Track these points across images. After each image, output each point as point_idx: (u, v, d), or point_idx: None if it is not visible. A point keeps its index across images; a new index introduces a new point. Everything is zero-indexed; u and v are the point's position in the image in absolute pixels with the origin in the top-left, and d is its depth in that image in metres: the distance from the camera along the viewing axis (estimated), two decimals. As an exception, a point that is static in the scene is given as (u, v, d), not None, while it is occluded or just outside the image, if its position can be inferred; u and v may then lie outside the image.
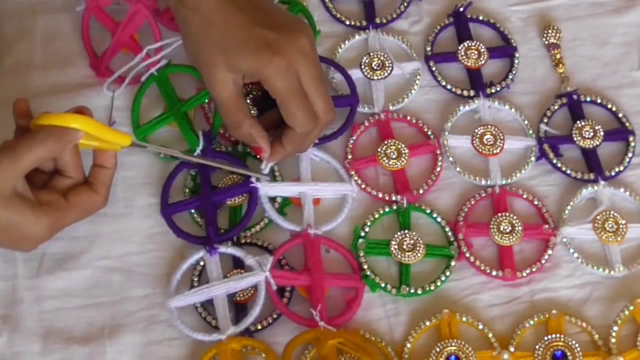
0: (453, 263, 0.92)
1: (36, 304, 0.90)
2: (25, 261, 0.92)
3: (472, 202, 0.95)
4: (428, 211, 0.95)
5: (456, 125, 0.99)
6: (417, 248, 0.92)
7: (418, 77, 1.01)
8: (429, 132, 0.98)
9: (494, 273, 0.92)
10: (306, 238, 0.92)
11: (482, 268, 0.92)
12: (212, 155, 0.95)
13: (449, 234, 0.94)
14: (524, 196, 0.96)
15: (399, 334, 0.90)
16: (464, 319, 0.90)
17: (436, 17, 1.05)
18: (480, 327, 0.90)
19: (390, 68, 1.01)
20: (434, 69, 1.01)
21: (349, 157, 0.97)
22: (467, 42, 1.02)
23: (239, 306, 0.90)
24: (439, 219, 0.95)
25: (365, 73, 1.00)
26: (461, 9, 1.04)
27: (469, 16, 1.04)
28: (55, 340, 0.89)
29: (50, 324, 0.89)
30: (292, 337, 0.89)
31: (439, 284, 0.91)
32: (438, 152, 0.98)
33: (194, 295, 0.89)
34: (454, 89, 1.01)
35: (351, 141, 0.98)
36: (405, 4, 1.04)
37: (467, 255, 0.93)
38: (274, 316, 0.90)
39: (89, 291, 0.91)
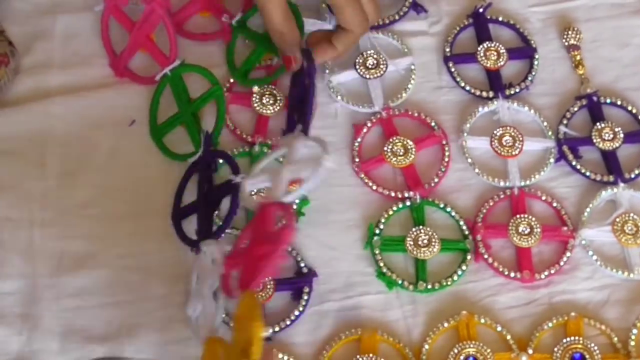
0: (469, 257, 0.92)
1: (55, 302, 0.90)
2: (45, 259, 0.92)
3: (491, 204, 0.95)
4: (441, 205, 0.95)
5: (475, 126, 0.99)
6: (433, 243, 0.92)
7: (413, 72, 1.01)
8: (432, 123, 0.98)
9: (512, 275, 0.92)
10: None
11: (500, 270, 0.92)
12: (210, 156, 0.95)
13: (464, 227, 0.94)
14: (543, 198, 0.96)
15: (416, 335, 0.90)
16: (482, 320, 0.89)
17: (455, 18, 1.04)
18: (499, 328, 0.89)
19: (384, 66, 1.00)
20: (452, 69, 1.01)
21: (356, 160, 0.97)
22: (487, 43, 1.02)
23: (256, 306, 0.90)
24: (453, 213, 0.95)
25: (361, 72, 1.00)
26: (481, 10, 1.04)
27: (488, 17, 1.04)
28: (74, 339, 0.89)
29: (69, 323, 0.90)
30: (309, 338, 0.89)
31: (455, 278, 0.91)
32: (444, 142, 0.97)
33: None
34: (473, 90, 1.00)
35: (356, 143, 0.98)
36: (405, 8, 1.04)
37: (485, 256, 0.92)
38: (292, 317, 0.90)
39: (107, 290, 0.91)
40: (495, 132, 0.98)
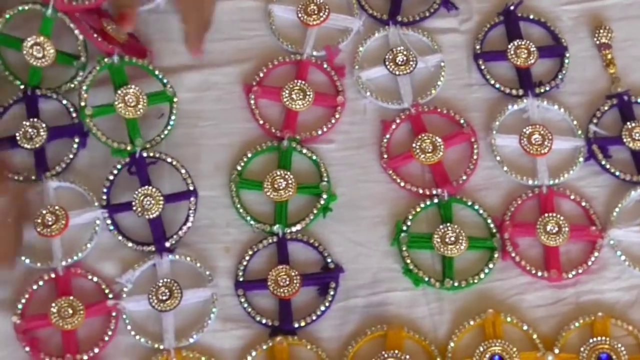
0: (496, 255, 0.92)
1: None
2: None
3: (519, 202, 0.95)
4: (469, 203, 0.95)
5: (504, 124, 0.98)
6: (460, 240, 0.92)
7: (443, 69, 1.01)
8: (461, 121, 0.98)
9: (539, 274, 0.92)
10: None
11: (528, 268, 0.92)
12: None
13: (491, 225, 0.94)
14: (572, 197, 0.95)
15: (442, 333, 0.90)
16: (509, 319, 0.89)
17: (486, 16, 1.04)
18: (525, 327, 0.89)
19: (414, 63, 1.00)
20: (482, 67, 1.01)
21: (385, 156, 0.97)
22: (517, 40, 1.01)
23: (283, 302, 0.91)
24: (481, 211, 0.94)
25: (390, 69, 1.00)
26: (512, 8, 1.03)
27: (519, 15, 1.03)
28: None
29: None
30: (335, 333, 0.90)
31: (482, 276, 0.91)
32: (473, 139, 0.97)
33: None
34: (502, 88, 1.00)
35: (385, 139, 0.98)
36: (435, 6, 1.04)
37: (513, 255, 0.92)
38: (318, 312, 0.90)
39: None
40: (524, 130, 0.97)
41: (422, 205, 0.95)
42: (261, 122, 0.98)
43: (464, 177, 0.96)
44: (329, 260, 0.92)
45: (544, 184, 0.96)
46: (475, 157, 0.97)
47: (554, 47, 1.02)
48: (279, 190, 0.94)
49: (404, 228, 0.93)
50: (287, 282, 0.91)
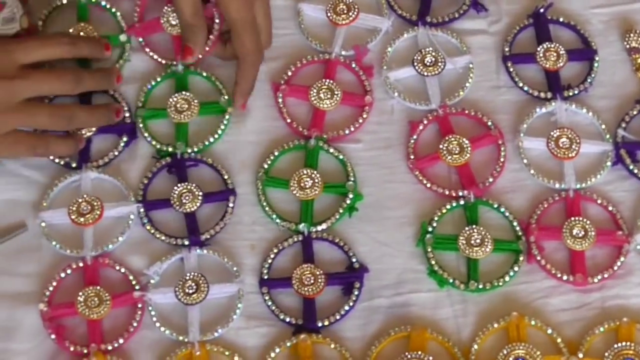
0: (521, 258, 0.92)
1: None
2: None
3: (545, 205, 0.95)
4: (495, 205, 0.94)
5: (532, 127, 0.98)
6: (485, 243, 0.92)
7: (471, 71, 1.01)
8: (489, 123, 0.98)
9: (564, 277, 0.91)
10: None
11: (553, 272, 0.92)
12: None
13: (517, 228, 0.94)
14: (599, 201, 0.95)
15: (466, 335, 0.90)
16: (533, 322, 0.89)
17: (516, 18, 1.04)
18: (549, 331, 0.89)
19: (442, 64, 1.00)
20: (511, 69, 1.01)
21: (412, 157, 0.97)
22: (547, 43, 1.01)
23: (307, 301, 0.91)
24: (507, 214, 0.94)
25: (419, 69, 1.00)
26: (541, 10, 1.03)
27: (549, 17, 1.03)
28: None
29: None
30: (359, 333, 0.90)
31: (507, 279, 0.91)
32: (500, 141, 0.97)
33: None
34: (531, 91, 1.00)
35: (412, 140, 0.98)
36: (465, 7, 1.04)
37: (538, 258, 0.92)
38: (342, 312, 0.90)
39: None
40: (552, 133, 0.97)
41: (448, 206, 0.94)
42: (289, 120, 0.98)
43: (491, 180, 0.96)
44: (354, 260, 0.92)
45: (571, 187, 0.95)
46: (502, 159, 0.97)
47: (583, 51, 1.02)
48: (305, 189, 0.94)
49: (430, 229, 0.93)
50: (312, 281, 0.91)
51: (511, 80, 1.01)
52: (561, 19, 1.03)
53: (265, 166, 0.96)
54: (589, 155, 0.97)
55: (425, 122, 0.98)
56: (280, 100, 0.99)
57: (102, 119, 0.96)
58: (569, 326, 0.90)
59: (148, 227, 0.93)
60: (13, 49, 0.89)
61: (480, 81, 1.01)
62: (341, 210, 0.94)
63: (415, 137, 0.98)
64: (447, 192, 0.95)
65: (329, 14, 1.02)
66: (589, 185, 0.96)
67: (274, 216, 0.94)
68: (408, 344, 0.88)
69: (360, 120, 0.99)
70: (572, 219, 0.93)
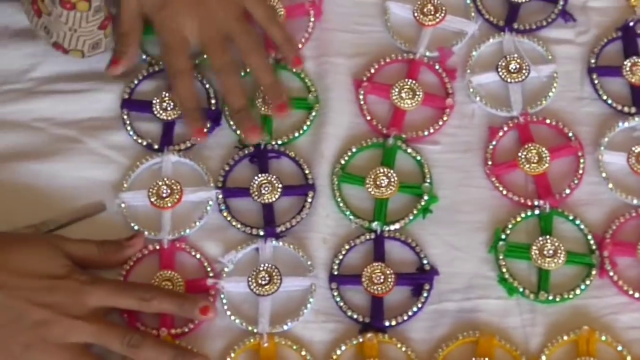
0: (594, 272, 0.91)
1: None
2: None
3: (622, 220, 0.94)
4: (571, 217, 0.94)
5: (613, 141, 0.97)
6: (558, 254, 0.91)
7: (555, 80, 1.00)
8: (570, 134, 0.97)
9: (636, 295, 0.91)
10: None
11: (625, 288, 0.91)
12: None
13: (591, 242, 0.93)
14: (677, 220, 0.94)
15: (534, 345, 0.89)
16: (604, 338, 0.89)
17: (604, 30, 1.03)
18: (619, 348, 0.88)
19: (527, 71, 1.00)
20: (596, 81, 1.00)
21: (489, 162, 0.97)
22: (634, 57, 1.00)
23: (376, 300, 0.91)
24: (582, 226, 0.94)
25: (502, 76, 1.00)
26: (631, 24, 1.02)
27: (638, 32, 1.02)
28: None
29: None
30: (426, 335, 0.90)
31: (578, 292, 0.91)
32: (580, 153, 0.96)
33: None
34: (614, 104, 0.99)
35: (491, 146, 0.97)
36: (553, 15, 1.03)
37: (611, 274, 0.91)
38: (410, 313, 0.90)
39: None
40: (633, 148, 0.96)
41: (523, 215, 0.94)
42: (368, 118, 0.99)
43: (568, 191, 0.95)
44: (425, 261, 0.93)
45: (649, 204, 0.95)
46: (580, 171, 0.96)
47: (671, 67, 1.01)
48: (380, 188, 0.94)
49: (503, 236, 0.93)
50: (382, 280, 0.91)
51: (595, 92, 1.00)
52: (650, 34, 1.02)
53: (343, 162, 0.96)
54: (669, 173, 0.96)
55: (506, 128, 0.98)
56: (361, 97, 0.99)
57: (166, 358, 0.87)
58: (639, 345, 0.89)
59: (225, 214, 0.94)
60: (87, 291, 0.86)
61: (564, 91, 1.00)
62: (415, 211, 0.94)
63: (494, 142, 0.97)
64: (522, 201, 0.95)
65: (415, 14, 1.02)
66: (667, 204, 0.95)
67: (348, 212, 0.94)
68: (475, 349, 0.88)
69: (440, 123, 0.99)
70: (648, 236, 0.92)
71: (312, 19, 1.02)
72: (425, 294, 0.91)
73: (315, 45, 1.02)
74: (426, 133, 0.98)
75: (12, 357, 0.84)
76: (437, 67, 1.01)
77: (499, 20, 1.03)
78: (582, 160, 0.96)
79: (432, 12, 1.02)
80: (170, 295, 0.89)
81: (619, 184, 0.96)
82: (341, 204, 0.95)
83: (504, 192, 0.96)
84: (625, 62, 1.00)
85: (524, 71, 1.00)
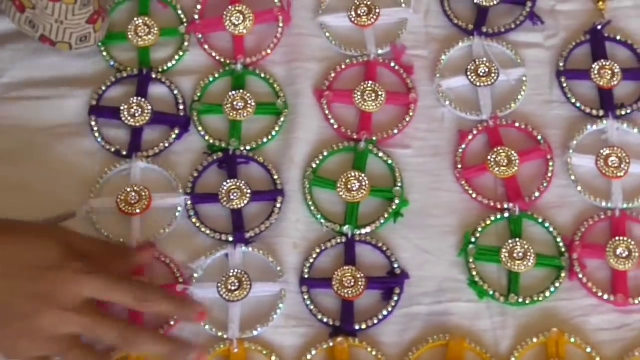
0: (563, 274, 0.92)
1: None
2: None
3: (590, 223, 0.94)
4: (540, 220, 0.94)
5: (582, 144, 0.98)
6: (528, 257, 0.92)
7: (524, 84, 1.00)
8: (539, 137, 0.98)
9: (605, 297, 0.91)
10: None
11: (594, 290, 0.91)
12: None
13: (561, 244, 0.93)
14: (645, 223, 0.95)
15: (504, 348, 0.90)
16: (573, 340, 0.89)
17: (572, 33, 1.03)
18: (589, 350, 0.89)
19: (496, 75, 1.00)
20: (564, 85, 1.00)
21: (459, 166, 0.97)
22: (602, 61, 1.00)
23: (346, 303, 0.91)
24: (551, 229, 0.94)
25: (472, 79, 1.00)
26: (599, 27, 1.02)
27: (606, 35, 1.02)
28: None
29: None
30: (396, 338, 0.90)
31: (547, 294, 0.91)
32: (549, 156, 0.97)
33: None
34: (583, 107, 0.99)
35: (460, 149, 0.98)
36: (522, 18, 1.03)
37: (580, 276, 0.92)
38: (380, 317, 0.90)
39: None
40: (602, 151, 0.96)
41: (493, 218, 0.94)
42: (336, 126, 0.99)
43: (537, 194, 0.96)
44: (395, 265, 0.93)
45: (618, 207, 0.95)
46: (549, 174, 0.96)
47: (638, 70, 1.01)
48: (352, 191, 0.95)
49: (473, 240, 0.94)
50: (352, 284, 0.91)
51: (564, 95, 1.00)
52: (618, 37, 1.02)
53: (314, 165, 0.97)
54: (637, 175, 0.97)
55: (475, 132, 0.98)
56: (325, 106, 0.99)
57: (164, 353, 0.86)
58: (608, 346, 0.90)
59: (194, 220, 0.94)
60: (82, 282, 0.83)
61: (533, 95, 1.01)
62: (386, 215, 0.94)
63: (464, 146, 0.98)
64: (492, 204, 0.95)
65: (352, 19, 1.03)
66: (636, 206, 0.95)
67: (319, 216, 0.95)
68: (446, 353, 0.89)
69: (407, 119, 0.99)
70: (617, 238, 0.93)
71: (281, 25, 1.02)
72: (395, 298, 0.91)
73: (284, 51, 1.03)
74: (395, 131, 0.98)
75: (3, 348, 0.83)
76: (393, 65, 1.01)
77: (468, 24, 1.03)
78: (551, 164, 0.97)
79: (367, 13, 1.02)
80: (168, 297, 0.87)
81: (587, 186, 0.96)
82: (312, 208, 0.95)
83: (474, 196, 0.96)
84: (593, 66, 1.00)
85: (493, 75, 1.00)
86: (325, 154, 0.97)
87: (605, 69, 1.00)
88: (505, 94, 1.01)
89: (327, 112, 0.99)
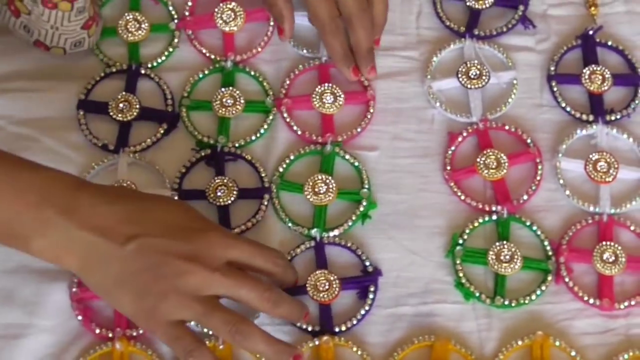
0: (549, 278, 0.92)
1: None
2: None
3: (578, 227, 0.94)
4: (528, 223, 0.94)
5: (571, 148, 0.98)
6: (515, 260, 0.92)
7: (515, 87, 1.00)
8: (529, 140, 0.98)
9: (591, 301, 0.91)
10: None
11: (580, 294, 0.91)
12: None
13: (548, 248, 0.93)
14: (632, 228, 0.94)
15: (489, 350, 0.90)
16: (558, 343, 0.89)
17: (564, 38, 1.03)
18: (573, 353, 0.89)
19: (487, 77, 1.00)
20: (555, 89, 1.01)
21: (448, 167, 0.97)
22: (593, 66, 1.01)
23: (324, 307, 0.91)
24: (538, 232, 0.94)
25: (462, 82, 1.00)
26: (590, 32, 1.03)
27: (597, 40, 1.03)
28: None
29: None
30: (382, 338, 0.90)
31: (533, 297, 0.91)
32: (538, 160, 0.97)
33: None
34: (573, 112, 1.00)
35: (450, 151, 0.98)
36: (513, 21, 1.03)
37: (567, 280, 0.92)
38: (358, 316, 0.90)
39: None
40: (591, 156, 0.97)
41: (481, 220, 0.95)
42: (299, 132, 0.98)
43: (525, 197, 0.96)
44: (367, 263, 0.93)
45: (605, 212, 0.95)
46: (538, 178, 0.97)
47: (629, 76, 1.01)
48: (319, 194, 0.94)
49: (460, 241, 0.94)
50: (327, 287, 0.90)
51: (554, 99, 1.01)
52: (609, 43, 1.02)
53: (281, 170, 0.96)
54: (625, 181, 0.97)
55: (465, 134, 0.98)
56: (285, 114, 0.99)
57: (295, 316, 0.89)
58: (592, 350, 0.90)
59: None
60: (229, 245, 0.86)
61: (523, 98, 1.01)
62: (354, 217, 0.94)
63: (453, 148, 0.98)
64: (480, 206, 0.95)
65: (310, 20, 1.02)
66: (623, 211, 0.95)
67: (287, 220, 0.94)
68: (430, 354, 0.89)
69: (369, 116, 0.99)
70: (604, 243, 0.93)
71: (272, 24, 1.02)
72: (371, 296, 0.91)
73: (274, 50, 1.03)
74: (359, 130, 0.98)
75: (146, 307, 0.83)
76: None
77: (460, 26, 1.04)
78: (540, 167, 0.97)
79: None
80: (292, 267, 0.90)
81: (576, 190, 0.96)
82: (281, 212, 0.95)
83: (462, 198, 0.96)
84: (584, 70, 1.01)
85: (484, 77, 1.00)
86: (292, 157, 0.97)
87: (596, 74, 1.00)
88: (495, 97, 1.01)
89: (288, 119, 0.99)
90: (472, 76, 1.00)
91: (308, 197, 0.94)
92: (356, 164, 0.97)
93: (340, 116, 0.99)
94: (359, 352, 0.89)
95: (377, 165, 0.98)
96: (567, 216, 0.96)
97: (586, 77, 1.00)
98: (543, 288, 0.92)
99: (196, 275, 0.83)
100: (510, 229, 0.94)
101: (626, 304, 0.91)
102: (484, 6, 1.04)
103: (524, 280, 0.93)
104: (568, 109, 1.00)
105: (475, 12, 1.04)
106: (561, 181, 0.96)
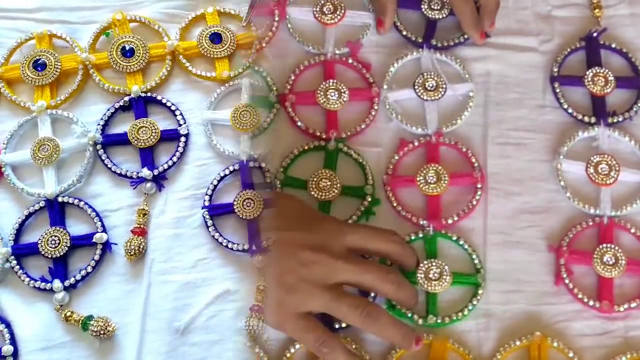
0: (480, 291, 0.91)
1: None
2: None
3: (578, 229, 0.95)
4: (454, 238, 0.94)
5: (572, 150, 0.98)
6: (444, 277, 0.91)
7: (471, 99, 1.00)
8: (476, 164, 0.97)
9: (590, 303, 0.91)
10: None
11: (580, 296, 0.92)
12: None
13: (476, 261, 0.93)
14: (632, 230, 0.95)
15: (487, 350, 0.90)
16: (555, 344, 0.89)
17: (568, 39, 1.03)
18: (571, 354, 0.89)
19: (443, 89, 0.99)
20: (558, 90, 1.00)
21: (389, 172, 0.97)
22: (596, 68, 1.01)
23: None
24: (466, 246, 0.93)
25: (419, 93, 0.99)
26: (594, 34, 1.03)
27: (601, 42, 1.03)
28: None
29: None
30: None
31: (465, 313, 0.91)
32: (479, 185, 0.96)
33: None
34: (575, 114, 1.00)
35: (396, 157, 0.97)
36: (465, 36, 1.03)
37: (567, 281, 0.92)
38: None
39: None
40: (592, 158, 0.97)
41: (407, 239, 0.93)
42: (303, 128, 0.98)
43: (455, 218, 0.94)
44: None
45: (606, 214, 0.95)
46: (474, 202, 0.95)
47: (632, 79, 1.01)
48: (323, 190, 0.94)
49: (389, 262, 0.92)
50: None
51: (557, 101, 1.00)
52: (613, 45, 1.02)
53: (285, 165, 0.96)
54: (627, 183, 0.97)
55: (416, 143, 0.98)
56: (290, 110, 0.99)
57: (413, 301, 0.90)
58: (590, 352, 0.90)
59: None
60: (346, 232, 0.87)
61: (526, 99, 1.01)
62: (359, 213, 0.94)
63: (400, 154, 0.97)
64: (409, 216, 0.94)
65: (316, 15, 1.02)
66: (624, 214, 0.96)
67: None
68: (429, 352, 0.89)
69: (373, 113, 0.99)
70: (604, 245, 0.93)
71: (277, 19, 1.02)
72: (372, 294, 0.91)
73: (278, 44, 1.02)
74: (363, 126, 0.98)
75: (274, 301, 0.85)
76: (350, 61, 1.01)
77: (418, 36, 1.03)
78: (479, 193, 0.95)
79: (332, 11, 1.02)
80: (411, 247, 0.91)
81: (576, 192, 0.96)
82: None
83: (394, 205, 0.95)
84: (587, 72, 1.01)
85: (440, 89, 0.99)
86: (296, 153, 0.97)
87: (599, 76, 1.00)
88: (451, 110, 1.00)
89: (293, 115, 0.99)
90: (429, 88, 0.99)
91: (312, 192, 0.94)
92: (360, 160, 0.97)
93: (344, 112, 0.99)
94: (358, 350, 0.89)
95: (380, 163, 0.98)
96: (568, 218, 0.96)
97: (589, 79, 1.00)
98: (474, 302, 0.91)
99: (321, 264, 0.84)
100: (438, 246, 0.94)
101: (625, 306, 0.91)
102: (440, 16, 1.03)
103: (455, 295, 0.92)
104: (570, 110, 1.00)
105: (432, 22, 1.03)
106: (562, 183, 0.96)
